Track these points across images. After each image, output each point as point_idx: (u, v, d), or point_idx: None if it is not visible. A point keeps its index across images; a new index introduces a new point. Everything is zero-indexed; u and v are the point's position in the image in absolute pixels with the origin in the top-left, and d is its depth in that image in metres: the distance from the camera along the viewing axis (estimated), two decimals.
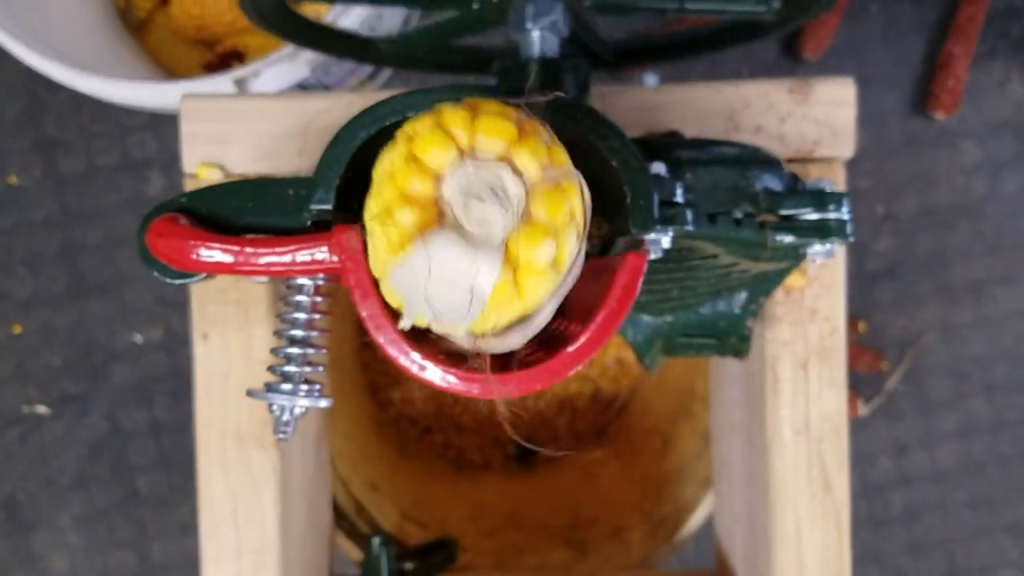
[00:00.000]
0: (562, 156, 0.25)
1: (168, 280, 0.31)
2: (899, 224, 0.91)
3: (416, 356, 0.28)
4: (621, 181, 0.28)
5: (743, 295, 0.38)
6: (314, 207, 0.30)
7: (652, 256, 0.29)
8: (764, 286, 0.38)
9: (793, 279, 0.42)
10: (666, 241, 0.29)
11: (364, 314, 0.28)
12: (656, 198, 0.28)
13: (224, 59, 0.82)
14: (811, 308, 0.44)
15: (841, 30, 0.90)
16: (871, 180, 0.91)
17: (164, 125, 0.87)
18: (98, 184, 0.88)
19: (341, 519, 0.59)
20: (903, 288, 0.92)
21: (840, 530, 0.45)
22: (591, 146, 0.28)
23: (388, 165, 0.25)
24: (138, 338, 0.89)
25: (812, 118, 0.42)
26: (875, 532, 0.92)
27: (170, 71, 0.85)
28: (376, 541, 0.53)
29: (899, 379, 0.92)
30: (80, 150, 0.88)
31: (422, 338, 0.30)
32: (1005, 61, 0.91)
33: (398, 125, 0.27)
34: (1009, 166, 0.91)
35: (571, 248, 0.25)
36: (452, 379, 0.28)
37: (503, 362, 0.29)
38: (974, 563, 0.92)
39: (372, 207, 0.25)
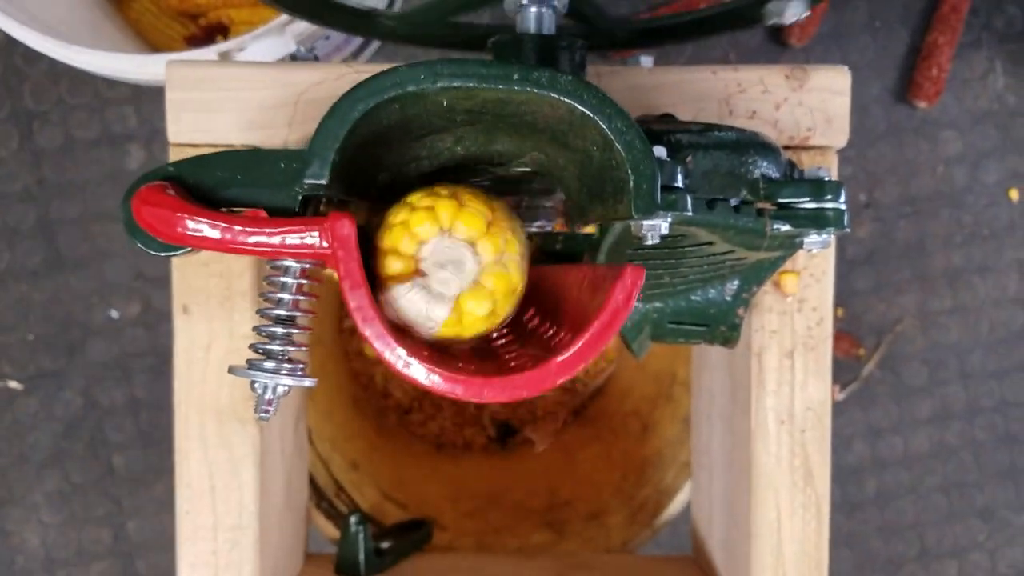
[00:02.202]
0: (515, 246, 0.32)
1: (152, 252, 0.30)
2: (880, 211, 0.92)
3: (402, 352, 0.28)
4: (621, 164, 0.28)
5: (735, 283, 0.38)
6: (307, 181, 0.29)
7: (649, 241, 0.29)
8: (757, 275, 0.38)
9: (788, 282, 0.42)
10: (664, 227, 0.29)
11: (352, 305, 0.28)
12: (659, 182, 0.28)
13: (208, 32, 0.81)
14: (799, 298, 0.44)
15: (827, 17, 0.90)
16: (853, 167, 0.91)
17: (146, 99, 0.86)
18: (76, 158, 0.86)
19: (320, 499, 0.59)
20: (882, 275, 0.92)
21: (820, 520, 0.45)
22: (582, 127, 0.28)
23: (396, 219, 0.32)
24: (115, 314, 0.88)
25: (807, 105, 0.42)
26: (848, 515, 0.93)
27: (152, 44, 0.83)
28: (353, 519, 0.53)
29: (875, 365, 0.93)
30: (58, 122, 0.86)
31: (409, 335, 0.30)
32: (988, 52, 0.91)
33: (398, 100, 0.27)
34: (990, 156, 0.92)
35: (509, 306, 0.32)
36: (436, 379, 0.28)
37: (490, 365, 0.29)
38: (945, 546, 0.94)
39: (384, 241, 0.32)
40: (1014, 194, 0.92)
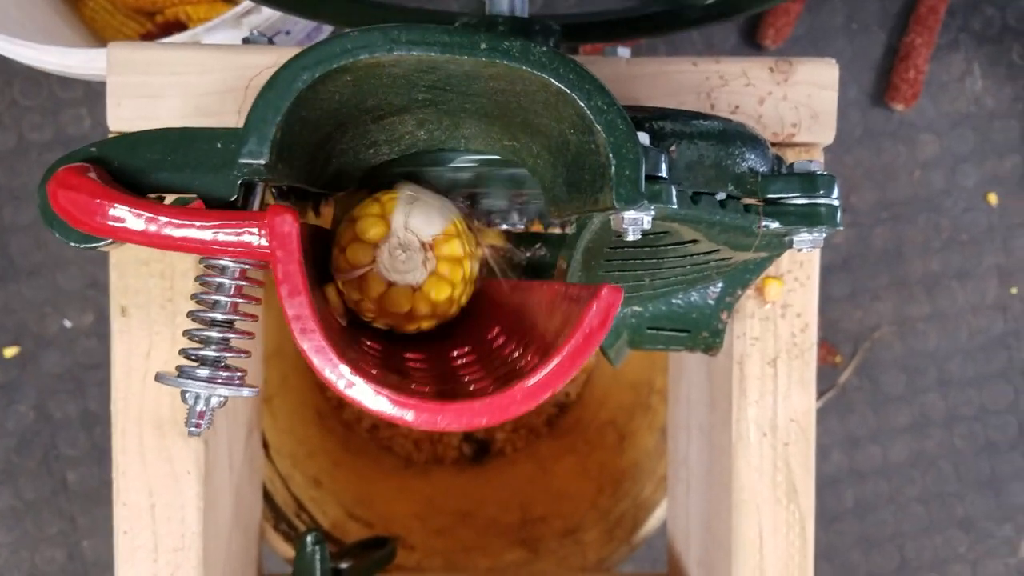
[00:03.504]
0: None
1: (71, 243, 0.27)
2: (857, 216, 0.90)
3: (345, 369, 0.25)
4: (601, 147, 0.25)
5: (718, 286, 0.36)
6: (243, 160, 0.25)
7: (630, 237, 0.26)
8: (742, 277, 0.35)
9: (771, 289, 0.39)
10: (647, 221, 0.26)
11: (290, 313, 0.25)
12: (644, 169, 0.25)
13: (165, 30, 0.78)
14: (782, 303, 0.42)
15: (803, 18, 0.89)
16: (829, 172, 0.89)
17: (100, 100, 0.82)
18: (29, 161, 0.83)
19: (279, 519, 0.56)
20: (858, 281, 0.91)
21: (804, 539, 0.43)
22: (558, 107, 0.25)
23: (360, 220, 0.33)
24: (69, 323, 0.84)
25: (792, 100, 0.40)
26: (827, 527, 0.91)
27: (107, 43, 0.80)
28: (309, 538, 0.50)
29: (853, 373, 0.91)
30: (10, 125, 0.83)
31: (358, 348, 0.27)
32: (966, 54, 0.90)
33: (350, 70, 0.24)
34: (968, 160, 0.91)
35: (465, 291, 0.35)
36: (383, 402, 0.25)
37: (449, 387, 0.26)
38: (925, 558, 0.92)
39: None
40: (992, 198, 0.91)
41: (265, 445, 0.58)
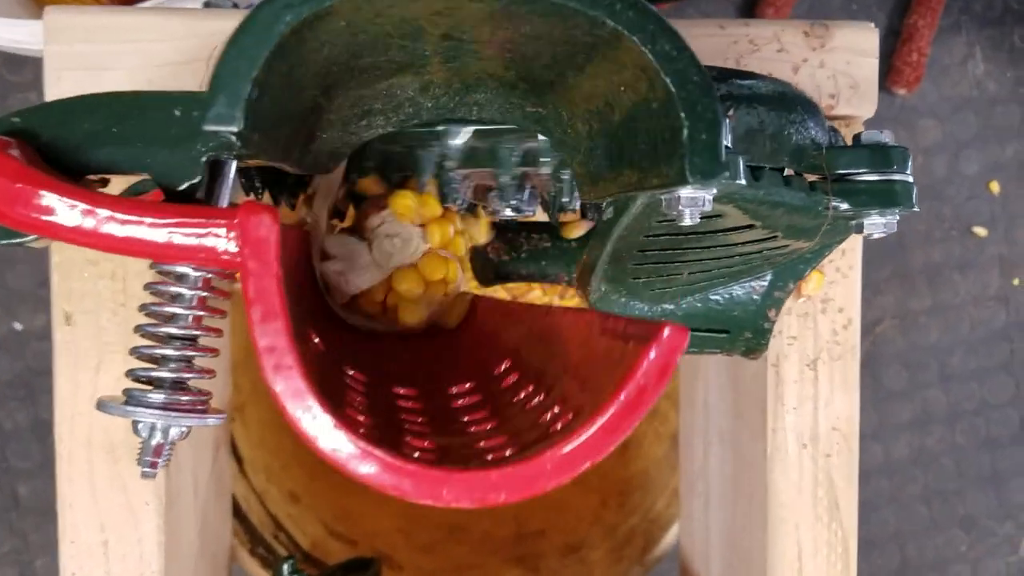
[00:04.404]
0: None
1: None
2: None
3: (326, 421, 0.19)
4: (668, 106, 0.20)
5: (766, 279, 0.31)
6: (210, 127, 0.20)
7: (687, 221, 0.21)
8: (795, 268, 0.30)
9: (812, 281, 0.35)
10: (708, 201, 0.21)
11: (261, 344, 0.19)
12: (724, 131, 0.20)
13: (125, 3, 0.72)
14: (822, 297, 0.37)
15: (801, 3, 0.85)
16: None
17: None
18: None
19: (255, 543, 0.51)
20: (863, 275, 0.87)
21: (847, 561, 0.39)
22: (606, 57, 0.20)
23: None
24: (19, 326, 0.79)
25: (830, 67, 0.35)
26: None
27: None
28: (286, 567, 0.45)
29: None
30: None
31: (340, 379, 0.22)
32: (968, 37, 0.87)
33: (345, 11, 0.18)
34: (970, 146, 0.87)
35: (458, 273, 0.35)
36: (372, 468, 0.19)
37: (454, 442, 0.21)
38: (927, 558, 0.89)
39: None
40: (995, 186, 0.88)
41: (239, 460, 0.53)
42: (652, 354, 0.20)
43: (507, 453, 0.20)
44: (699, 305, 0.31)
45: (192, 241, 0.20)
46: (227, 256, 0.20)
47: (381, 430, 0.20)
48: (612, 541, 0.54)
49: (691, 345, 0.33)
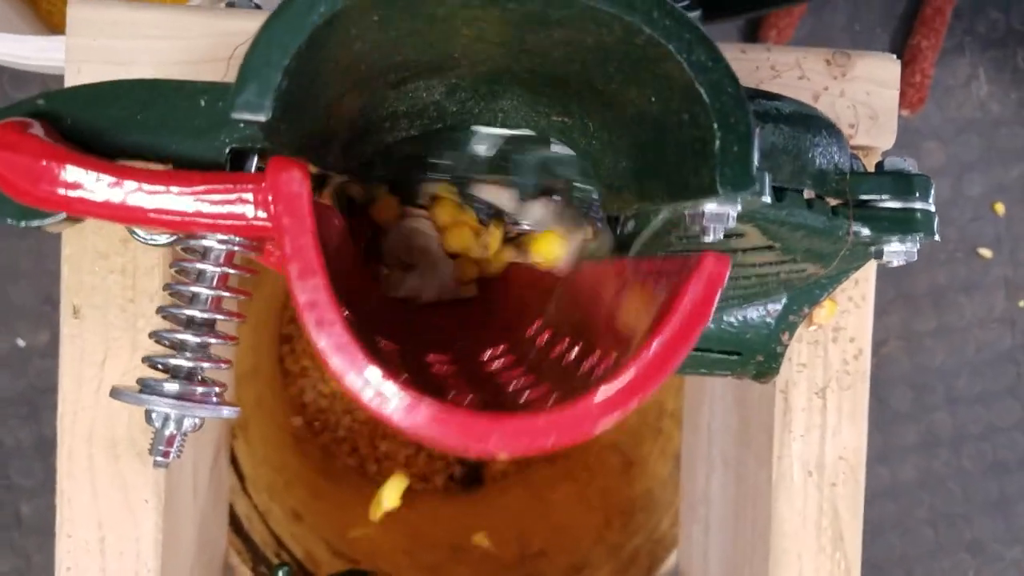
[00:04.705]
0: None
1: (8, 220, 0.22)
2: None
3: (374, 373, 0.19)
4: (701, 117, 0.20)
5: (780, 302, 0.31)
6: (237, 115, 0.19)
7: (710, 238, 0.21)
8: (811, 293, 0.30)
9: (823, 310, 0.35)
10: (731, 218, 0.21)
11: (302, 300, 0.19)
12: (757, 144, 0.20)
13: None
14: (834, 326, 0.37)
15: (805, 20, 0.85)
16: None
17: None
18: None
19: (258, 561, 0.50)
20: None
21: None
22: (639, 65, 0.20)
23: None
24: (22, 342, 0.78)
25: (850, 97, 0.35)
26: None
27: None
28: (281, 573, 0.45)
29: None
30: None
31: (375, 348, 0.22)
32: (972, 58, 0.87)
33: (379, 5, 0.18)
34: (974, 168, 0.87)
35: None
36: (422, 416, 0.19)
37: (492, 398, 0.21)
38: None
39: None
40: (1000, 208, 0.88)
41: (241, 477, 0.53)
42: (695, 283, 0.20)
43: (551, 401, 0.20)
44: (712, 326, 0.31)
45: (220, 208, 0.20)
46: (258, 221, 0.20)
47: (422, 389, 0.20)
48: (616, 561, 0.54)
49: (702, 366, 0.33)
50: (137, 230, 0.26)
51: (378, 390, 0.19)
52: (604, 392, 0.19)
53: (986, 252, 0.87)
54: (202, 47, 0.32)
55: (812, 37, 0.85)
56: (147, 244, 0.26)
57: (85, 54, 0.33)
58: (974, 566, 0.89)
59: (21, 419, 0.78)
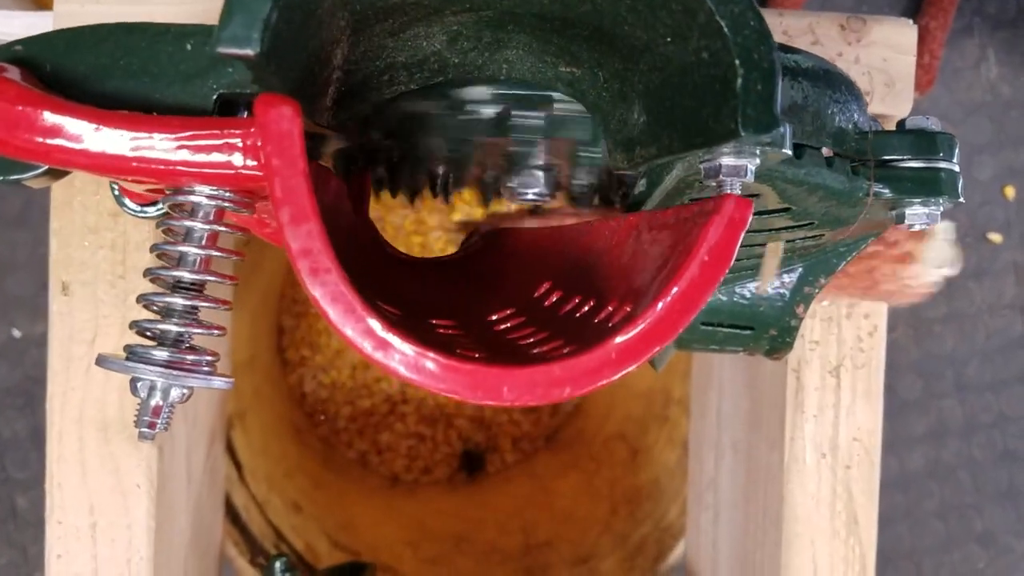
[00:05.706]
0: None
1: None
2: None
3: (375, 324, 0.18)
4: (721, 54, 0.18)
5: (795, 273, 0.29)
6: (223, 49, 0.18)
7: (727, 190, 0.20)
8: (828, 262, 0.29)
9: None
10: (750, 171, 0.19)
11: (295, 247, 0.18)
12: (781, 82, 0.18)
13: None
14: (847, 301, 0.36)
15: (811, 2, 0.84)
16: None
17: None
18: None
19: (256, 552, 0.49)
20: None
21: None
22: (653, 2, 0.19)
23: None
24: (18, 333, 0.77)
25: (865, 63, 0.34)
26: None
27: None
28: (278, 564, 0.44)
29: None
30: None
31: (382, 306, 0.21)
32: (981, 39, 0.85)
33: None
34: (984, 151, 0.86)
35: None
36: (429, 365, 0.18)
37: (502, 355, 0.19)
38: (943, 574, 0.87)
39: None
40: (1010, 192, 0.86)
41: (239, 467, 0.51)
42: (716, 226, 0.19)
43: (565, 352, 0.19)
44: (724, 299, 0.30)
45: (207, 157, 0.19)
46: (247, 169, 0.19)
47: (429, 344, 0.19)
48: (623, 551, 0.53)
49: (713, 342, 0.32)
50: (127, 201, 0.25)
51: (382, 339, 0.18)
52: (622, 339, 0.18)
53: (996, 237, 0.86)
54: (200, 11, 0.31)
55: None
56: (137, 217, 0.25)
57: (72, 20, 0.31)
58: (985, 558, 0.87)
59: (17, 410, 0.77)
